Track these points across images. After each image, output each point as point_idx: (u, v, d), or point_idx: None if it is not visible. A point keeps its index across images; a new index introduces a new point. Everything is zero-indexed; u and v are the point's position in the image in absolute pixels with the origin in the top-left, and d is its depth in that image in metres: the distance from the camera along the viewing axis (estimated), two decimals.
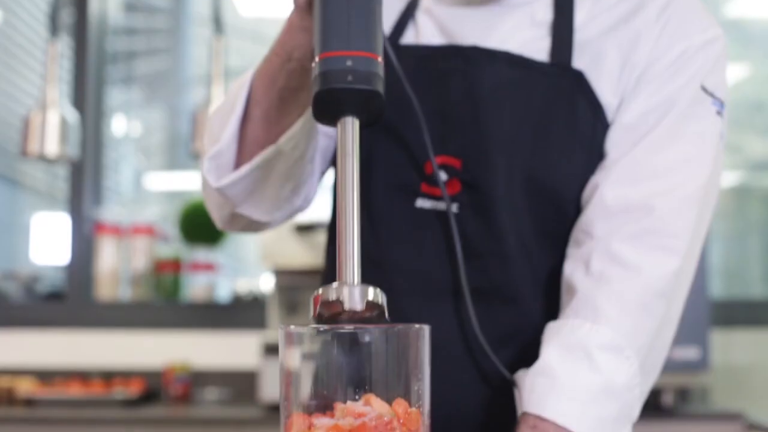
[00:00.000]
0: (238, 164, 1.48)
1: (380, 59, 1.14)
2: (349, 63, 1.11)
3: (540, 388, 1.31)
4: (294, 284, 4.34)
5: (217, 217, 1.59)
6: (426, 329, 1.02)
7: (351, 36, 1.13)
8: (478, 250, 1.45)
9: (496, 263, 1.45)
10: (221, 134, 1.45)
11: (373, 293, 1.04)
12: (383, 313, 1.05)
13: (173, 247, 5.06)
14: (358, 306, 1.02)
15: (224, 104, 1.50)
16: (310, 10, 1.26)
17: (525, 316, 1.46)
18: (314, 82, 1.12)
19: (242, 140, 1.47)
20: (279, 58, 1.39)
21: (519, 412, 1.33)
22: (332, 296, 1.03)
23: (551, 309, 1.46)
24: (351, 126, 1.11)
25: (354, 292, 1.03)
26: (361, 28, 1.14)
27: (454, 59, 1.48)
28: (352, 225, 1.07)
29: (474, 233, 1.44)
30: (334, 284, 1.04)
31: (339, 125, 1.11)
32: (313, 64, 1.14)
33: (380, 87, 1.12)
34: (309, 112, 1.42)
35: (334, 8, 1.16)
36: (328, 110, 1.13)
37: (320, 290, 1.05)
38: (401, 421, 0.98)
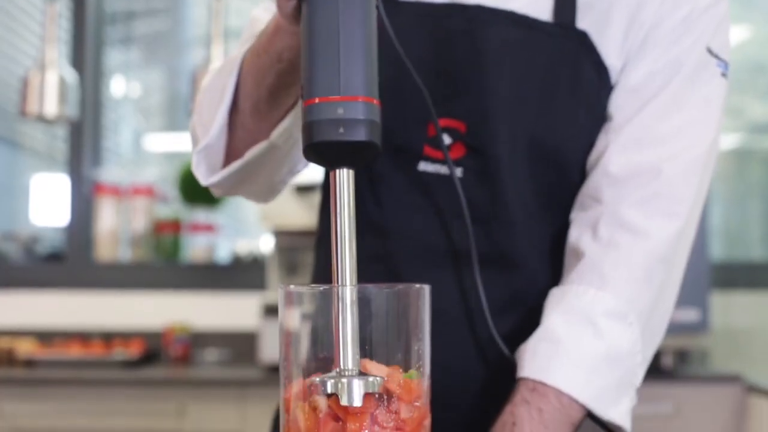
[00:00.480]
0: (228, 154, 1.45)
1: (376, 101, 1.02)
2: (340, 111, 1.00)
3: (543, 354, 1.30)
4: (294, 245, 4.34)
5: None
6: (426, 289, 1.01)
7: (342, 77, 1.01)
8: (482, 216, 1.43)
9: (500, 229, 1.43)
10: (210, 125, 1.42)
11: (371, 384, 0.96)
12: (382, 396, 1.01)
13: (173, 207, 5.06)
14: (356, 402, 0.96)
15: (214, 87, 1.44)
16: (298, 20, 1.13)
17: (528, 282, 1.44)
18: (302, 131, 1.02)
19: (232, 130, 1.43)
20: (269, 58, 1.31)
21: (518, 375, 1.31)
22: (329, 390, 0.97)
23: (554, 275, 1.44)
24: (345, 178, 1.02)
25: (352, 388, 0.95)
26: (355, 66, 1.02)
27: (457, 18, 1.45)
28: (349, 291, 0.98)
29: (478, 198, 1.42)
30: (331, 376, 0.97)
31: (332, 176, 1.02)
32: (301, 108, 1.03)
33: (376, 136, 1.01)
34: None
35: (322, 40, 1.04)
36: (319, 159, 1.04)
37: (317, 379, 0.97)
38: (398, 395, 0.97)
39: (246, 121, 1.40)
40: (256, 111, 1.38)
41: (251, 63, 1.36)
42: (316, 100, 1.01)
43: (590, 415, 1.30)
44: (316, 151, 1.02)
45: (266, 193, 1.58)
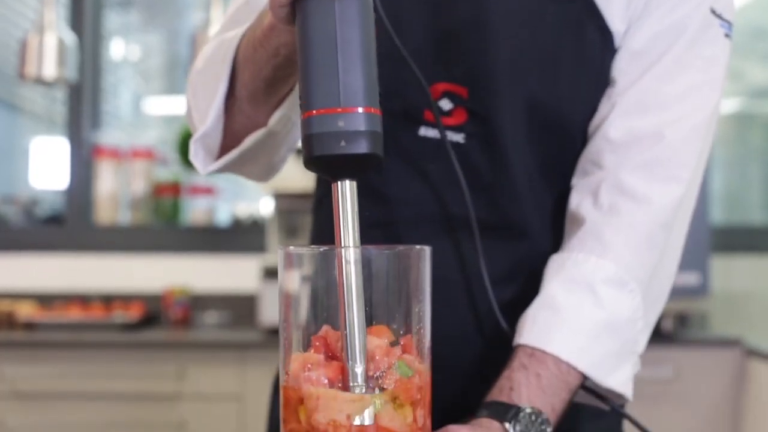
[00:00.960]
0: (224, 139, 1.43)
1: (376, 110, 1.00)
2: (341, 123, 0.98)
3: (543, 322, 1.29)
4: (294, 208, 4.34)
5: None
6: (427, 250, 1.00)
7: (342, 87, 0.99)
8: (484, 182, 1.41)
9: (503, 196, 1.42)
10: (207, 113, 1.40)
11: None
12: None
13: (172, 170, 5.05)
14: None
15: (209, 71, 1.42)
16: (292, 22, 1.10)
17: (531, 250, 1.43)
18: (302, 143, 1.00)
19: (229, 116, 1.41)
20: (265, 53, 1.28)
21: (515, 343, 1.30)
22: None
23: (557, 242, 1.43)
24: (348, 190, 1.00)
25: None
26: (354, 74, 0.99)
27: None
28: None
29: (480, 164, 1.41)
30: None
31: (334, 188, 1.01)
32: (300, 119, 1.01)
33: (378, 147, 1.00)
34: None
35: (319, 48, 1.01)
36: (320, 171, 1.02)
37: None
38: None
39: (243, 107, 1.38)
40: (253, 99, 1.36)
41: (247, 54, 1.33)
42: (315, 113, 0.99)
43: (585, 387, 1.30)
44: (317, 164, 1.00)
45: (265, 173, 1.57)
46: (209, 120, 1.38)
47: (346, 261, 0.96)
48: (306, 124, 1.00)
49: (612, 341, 1.30)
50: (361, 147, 0.98)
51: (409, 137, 1.42)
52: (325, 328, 0.98)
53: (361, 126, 0.98)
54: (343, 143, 0.98)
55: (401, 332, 0.98)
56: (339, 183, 1.00)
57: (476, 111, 1.40)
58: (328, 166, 1.00)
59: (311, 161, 1.00)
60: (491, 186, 1.41)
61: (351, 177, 1.00)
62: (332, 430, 0.94)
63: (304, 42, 1.02)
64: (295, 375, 0.97)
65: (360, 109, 0.99)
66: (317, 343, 0.97)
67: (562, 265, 1.34)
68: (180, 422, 4.04)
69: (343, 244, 0.98)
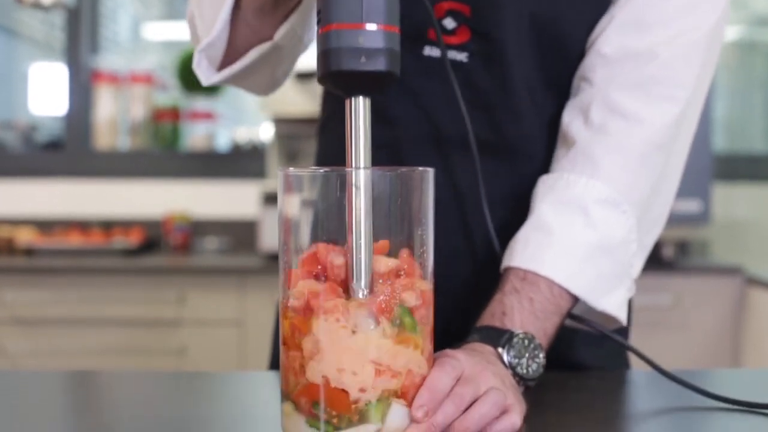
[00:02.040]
0: (228, 50, 1.41)
1: (396, 28, 0.99)
2: (361, 39, 0.97)
3: (535, 244, 1.27)
4: (294, 133, 4.32)
5: None
6: (430, 172, 0.99)
7: (364, 2, 0.97)
8: (488, 102, 1.40)
9: (506, 115, 1.41)
10: (213, 22, 1.38)
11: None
12: None
13: (172, 95, 5.03)
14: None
15: None
16: None
17: (532, 172, 1.41)
18: (319, 58, 0.99)
19: (234, 27, 1.39)
20: None
21: (505, 265, 1.29)
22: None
23: None
24: (363, 107, 0.99)
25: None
26: None
27: None
28: (363, 228, 0.95)
29: (484, 84, 1.40)
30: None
31: (348, 104, 1.00)
32: (317, 34, 1.00)
33: (396, 66, 0.99)
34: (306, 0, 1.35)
35: None
36: (335, 87, 1.01)
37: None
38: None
39: (249, 19, 1.36)
40: (260, 11, 1.34)
41: None
42: (335, 27, 0.98)
43: (572, 316, 1.29)
44: (333, 79, 0.99)
45: (267, 86, 1.55)
46: (215, 29, 1.36)
47: (356, 178, 0.95)
48: (324, 38, 0.98)
49: (605, 263, 1.29)
50: (381, 64, 0.98)
51: (414, 57, 1.40)
52: (316, 246, 0.97)
53: (381, 43, 0.98)
54: (363, 59, 0.97)
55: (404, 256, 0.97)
56: (353, 99, 0.99)
57: (479, 29, 1.39)
58: (343, 82, 0.99)
59: (328, 76, 0.99)
60: (493, 106, 1.40)
61: (365, 94, 1.00)
62: (336, 352, 0.94)
63: None
64: (296, 297, 0.96)
65: (381, 26, 0.98)
66: (308, 262, 0.97)
67: (552, 186, 1.32)
68: (180, 348, 4.06)
69: (353, 161, 0.98)
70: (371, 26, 0.97)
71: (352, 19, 0.97)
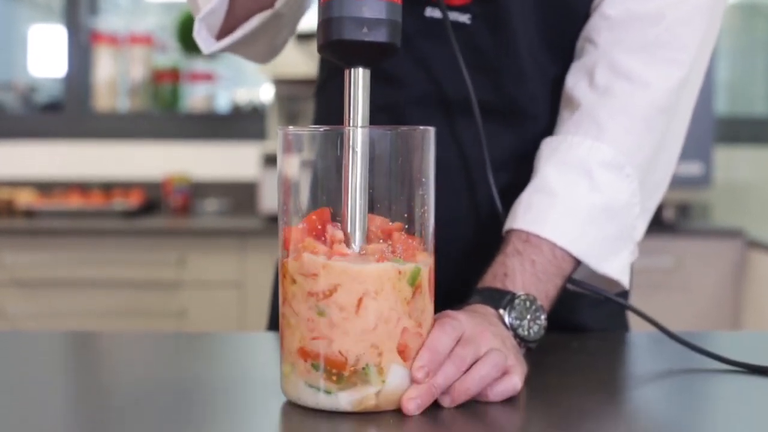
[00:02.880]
0: (228, 20, 1.40)
1: (400, 0, 0.99)
2: (364, 9, 0.96)
3: (537, 206, 1.26)
4: (294, 94, 4.31)
5: None
6: (431, 131, 0.98)
7: None
8: (491, 65, 1.39)
9: (508, 78, 1.40)
10: None
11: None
12: None
13: (171, 57, 5.01)
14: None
15: None
16: None
17: (535, 135, 1.40)
18: (319, 27, 0.99)
19: None
20: None
21: (508, 227, 1.28)
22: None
23: None
24: (361, 77, 0.99)
25: None
26: None
27: None
28: (359, 191, 0.96)
29: (487, 46, 1.39)
30: None
31: (347, 74, 1.00)
32: (318, 3, 1.00)
33: (397, 38, 0.99)
34: None
35: None
36: (335, 56, 1.00)
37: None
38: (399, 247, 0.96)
39: None
40: None
41: None
42: None
43: (573, 281, 1.28)
44: (333, 49, 0.99)
45: (267, 54, 1.55)
46: None
47: (353, 140, 0.95)
48: (326, 7, 0.98)
49: (608, 226, 1.28)
50: (382, 36, 0.98)
51: (416, 18, 1.39)
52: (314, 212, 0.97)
53: (384, 14, 0.98)
54: (365, 29, 0.97)
55: (404, 215, 0.97)
56: (352, 70, 0.99)
57: None
58: (344, 52, 0.99)
59: (328, 45, 0.99)
60: (496, 68, 1.39)
61: (365, 65, 0.99)
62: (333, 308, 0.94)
63: None
64: (294, 251, 0.96)
65: None
66: (306, 223, 0.97)
67: (556, 149, 1.32)
68: (180, 309, 4.06)
69: (351, 125, 0.98)
70: None
71: None
